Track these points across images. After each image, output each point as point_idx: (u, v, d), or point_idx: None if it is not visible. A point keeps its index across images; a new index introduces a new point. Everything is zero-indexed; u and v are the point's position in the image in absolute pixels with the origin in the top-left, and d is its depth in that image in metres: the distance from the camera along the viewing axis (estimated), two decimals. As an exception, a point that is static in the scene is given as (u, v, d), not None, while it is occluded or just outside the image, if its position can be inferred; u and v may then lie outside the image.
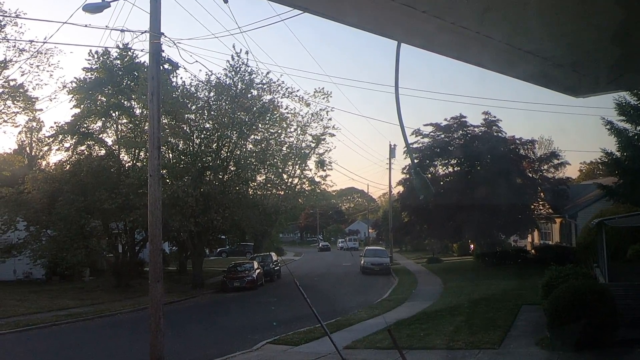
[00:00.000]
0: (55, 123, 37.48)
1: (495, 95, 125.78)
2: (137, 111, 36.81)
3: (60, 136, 37.24)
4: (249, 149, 39.06)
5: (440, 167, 42.01)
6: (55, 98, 65.18)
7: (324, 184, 47.12)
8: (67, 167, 36.48)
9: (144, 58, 37.27)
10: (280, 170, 42.54)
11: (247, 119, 35.90)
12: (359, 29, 2.48)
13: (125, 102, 37.21)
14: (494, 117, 39.98)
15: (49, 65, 36.38)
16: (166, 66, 27.85)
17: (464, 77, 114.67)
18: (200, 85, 35.39)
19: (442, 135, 40.84)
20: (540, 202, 40.58)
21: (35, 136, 48.17)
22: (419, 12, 2.24)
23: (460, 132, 40.66)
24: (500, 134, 39.84)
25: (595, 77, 3.29)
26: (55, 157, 38.63)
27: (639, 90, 25.92)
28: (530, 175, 40.14)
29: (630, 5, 2.29)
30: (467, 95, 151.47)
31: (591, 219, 24.22)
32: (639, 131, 28.99)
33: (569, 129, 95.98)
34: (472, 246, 51.03)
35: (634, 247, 22.21)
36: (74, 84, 36.87)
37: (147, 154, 16.73)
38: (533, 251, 41.48)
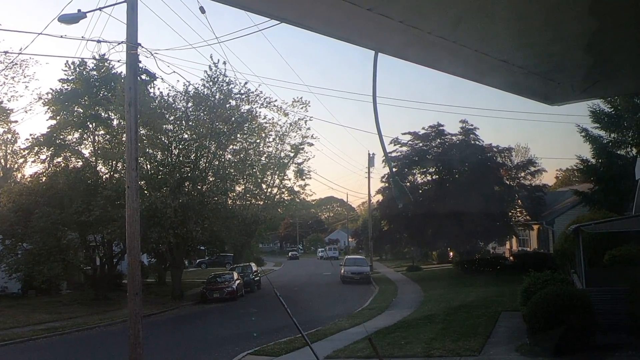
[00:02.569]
0: (30, 135, 36.98)
1: (472, 104, 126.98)
2: (115, 122, 36.52)
3: (36, 148, 36.76)
4: (227, 159, 38.97)
5: (419, 175, 42.24)
6: (30, 110, 64.48)
7: (303, 193, 47.26)
8: (43, 179, 36.00)
9: (121, 69, 37.07)
10: (259, 180, 42.51)
11: (225, 129, 35.81)
12: (335, 39, 2.49)
13: (103, 113, 36.90)
14: (471, 125, 40.37)
15: (25, 77, 36.11)
16: (143, 77, 27.73)
17: (441, 86, 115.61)
18: (178, 96, 35.30)
19: (420, 144, 41.08)
20: (518, 209, 40.97)
21: (10, 148, 47.45)
22: (396, 22, 2.26)
23: (438, 140, 40.95)
24: (477, 142, 40.19)
25: (570, 85, 3.33)
26: (31, 169, 38.13)
27: (612, 98, 26.35)
28: (508, 182, 40.53)
29: (601, 14, 2.34)
30: (444, 104, 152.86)
31: (568, 226, 24.46)
32: (613, 138, 29.47)
33: (545, 137, 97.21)
34: (451, 254, 51.28)
35: (611, 253, 22.43)
36: (50, 95, 36.49)
37: (125, 165, 16.61)
38: (511, 258, 41.80)
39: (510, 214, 40.17)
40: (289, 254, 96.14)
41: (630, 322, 14.02)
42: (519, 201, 40.54)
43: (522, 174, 40.95)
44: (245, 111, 37.47)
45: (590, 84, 3.41)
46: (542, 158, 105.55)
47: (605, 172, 29.03)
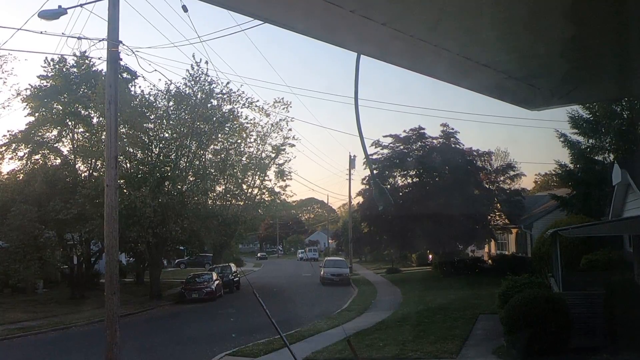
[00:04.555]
0: (8, 131, 36.39)
1: (452, 106, 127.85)
2: (95, 120, 36.17)
3: (14, 145, 36.27)
4: (208, 159, 38.82)
5: (400, 178, 42.39)
6: (8, 106, 63.18)
7: (283, 194, 47.21)
8: (21, 177, 35.56)
9: (102, 66, 36.56)
10: (239, 180, 42.40)
11: (206, 129, 35.69)
12: (318, 40, 2.49)
13: (82, 111, 36.51)
14: (452, 129, 40.66)
15: (2, 72, 35.38)
16: (124, 75, 27.59)
17: (422, 89, 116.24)
18: (159, 95, 35.08)
19: (401, 147, 41.26)
20: (497, 213, 41.27)
21: (-13, 145, 46.73)
22: (378, 25, 2.27)
23: (419, 143, 41.15)
24: (458, 146, 40.46)
25: (550, 91, 3.36)
26: (8, 166, 37.44)
27: (590, 104, 26.66)
28: (487, 186, 40.83)
29: (579, 20, 2.37)
30: (425, 107, 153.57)
31: (546, 230, 24.72)
32: (591, 144, 29.84)
33: (524, 141, 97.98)
34: (430, 256, 51.52)
35: (587, 257, 22.75)
36: (29, 92, 36.02)
37: (104, 164, 16.49)
38: (490, 261, 42.09)
39: (489, 217, 40.48)
40: (258, 255, 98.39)
41: (605, 326, 14.19)
42: (498, 205, 40.85)
43: (502, 178, 41.32)
44: (227, 111, 37.41)
45: (570, 90, 3.44)
46: (521, 162, 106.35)
47: (583, 178, 29.37)
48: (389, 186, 39.81)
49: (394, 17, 2.25)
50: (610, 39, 2.67)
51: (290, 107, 47.50)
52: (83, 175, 36.65)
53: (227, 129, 38.04)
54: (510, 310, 13.99)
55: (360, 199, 45.70)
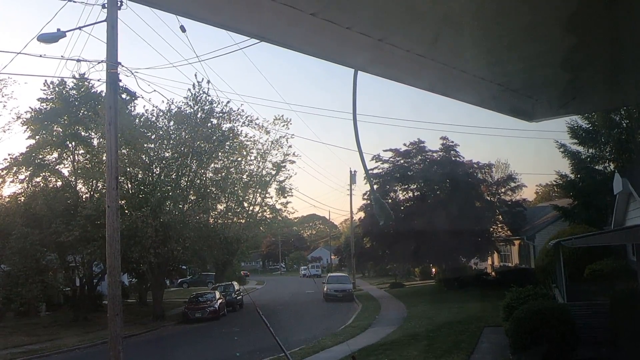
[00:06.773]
0: (9, 154, 36.49)
1: (452, 119, 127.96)
2: (95, 141, 36.28)
3: (15, 168, 36.35)
4: (209, 178, 38.83)
5: (401, 192, 42.38)
6: (9, 129, 63.51)
7: (285, 211, 47.10)
8: (22, 200, 35.58)
9: (101, 88, 36.80)
10: (241, 198, 42.34)
11: (207, 148, 35.73)
12: (315, 57, 2.51)
13: (83, 132, 36.63)
14: (452, 142, 40.70)
15: (3, 96, 35.54)
16: (124, 96, 27.70)
17: (419, 101, 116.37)
18: (159, 115, 35.16)
19: (402, 161, 41.27)
20: (499, 225, 41.19)
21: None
22: (375, 41, 2.28)
23: (420, 157, 41.18)
24: (458, 159, 40.49)
25: (548, 102, 3.37)
26: (9, 189, 37.51)
27: (589, 114, 26.72)
28: (489, 198, 40.77)
29: (574, 32, 2.38)
30: (423, 120, 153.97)
31: (548, 240, 24.66)
32: (591, 153, 29.86)
33: (524, 152, 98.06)
34: (433, 270, 51.35)
35: (591, 267, 22.66)
36: (29, 115, 36.17)
37: (105, 185, 16.49)
38: (493, 273, 41.93)
39: (491, 229, 40.38)
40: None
41: (610, 336, 14.12)
42: (500, 217, 40.79)
43: (503, 190, 41.25)
44: (227, 129, 37.49)
45: (568, 101, 3.44)
46: (522, 174, 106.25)
47: (584, 187, 29.37)
48: (390, 200, 39.79)
49: (391, 34, 2.26)
50: (607, 49, 2.69)
51: (290, 124, 47.57)
52: (84, 196, 36.66)
53: (228, 147, 38.10)
54: (515, 322, 13.94)
55: (362, 214, 45.65)
